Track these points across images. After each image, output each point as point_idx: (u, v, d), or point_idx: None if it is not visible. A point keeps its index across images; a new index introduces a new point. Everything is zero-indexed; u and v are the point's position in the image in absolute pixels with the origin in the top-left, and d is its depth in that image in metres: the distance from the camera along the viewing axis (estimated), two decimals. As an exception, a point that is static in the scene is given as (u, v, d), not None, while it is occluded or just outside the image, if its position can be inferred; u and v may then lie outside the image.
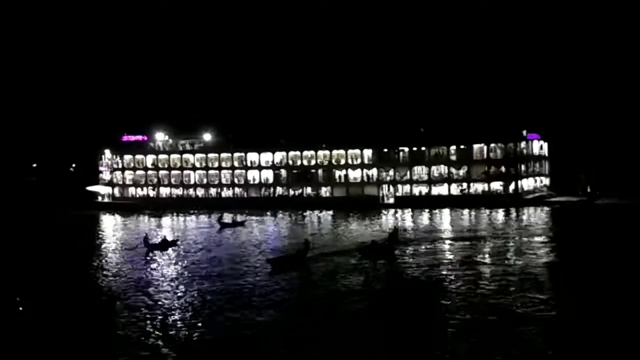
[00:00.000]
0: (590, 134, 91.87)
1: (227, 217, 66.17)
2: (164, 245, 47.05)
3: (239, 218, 66.65)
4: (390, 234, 43.48)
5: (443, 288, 30.32)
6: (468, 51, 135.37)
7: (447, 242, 47.20)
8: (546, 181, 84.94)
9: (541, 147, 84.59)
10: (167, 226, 67.13)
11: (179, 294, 31.44)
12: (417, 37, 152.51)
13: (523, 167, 78.91)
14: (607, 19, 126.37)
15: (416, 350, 21.82)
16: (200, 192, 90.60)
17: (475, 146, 78.58)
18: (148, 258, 43.72)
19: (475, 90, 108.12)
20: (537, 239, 47.05)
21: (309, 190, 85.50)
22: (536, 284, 30.91)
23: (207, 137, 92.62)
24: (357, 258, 39.62)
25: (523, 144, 79.16)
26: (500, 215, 66.78)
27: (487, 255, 40.75)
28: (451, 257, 40.36)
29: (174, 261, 42.22)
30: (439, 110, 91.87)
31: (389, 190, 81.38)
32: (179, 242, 49.34)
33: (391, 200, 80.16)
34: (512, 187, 77.02)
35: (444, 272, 34.62)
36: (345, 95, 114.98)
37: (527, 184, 79.84)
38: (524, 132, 79.35)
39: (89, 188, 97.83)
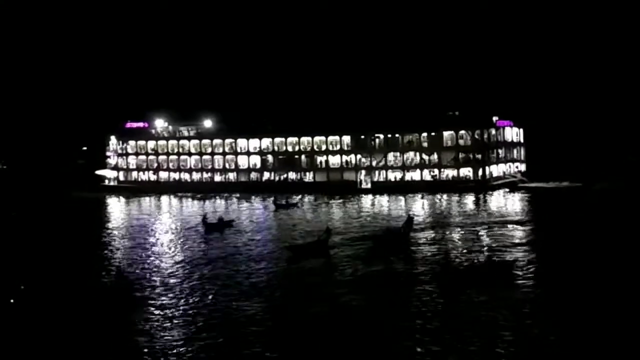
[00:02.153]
0: (568, 121, 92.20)
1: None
2: (221, 225, 49.33)
3: (293, 200, 70.06)
4: (406, 222, 42.30)
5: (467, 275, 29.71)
6: (442, 40, 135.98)
7: (456, 228, 47.01)
8: (521, 167, 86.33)
9: (517, 134, 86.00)
10: (222, 209, 68.53)
11: (217, 274, 32.85)
12: (392, 26, 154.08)
13: (492, 154, 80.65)
14: (579, 4, 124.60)
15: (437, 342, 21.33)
16: (195, 176, 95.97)
17: (445, 133, 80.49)
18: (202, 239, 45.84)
19: (449, 77, 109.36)
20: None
21: (293, 175, 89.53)
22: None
23: (208, 123, 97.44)
24: (372, 246, 39.02)
25: (492, 131, 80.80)
26: (463, 200, 68.51)
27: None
28: (465, 243, 40.44)
29: (225, 241, 44.06)
30: (412, 97, 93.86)
31: (366, 175, 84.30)
32: (234, 223, 51.44)
33: (368, 186, 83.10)
34: (480, 172, 79.04)
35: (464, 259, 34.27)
36: (327, 81, 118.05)
37: (496, 170, 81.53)
38: (495, 119, 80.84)
39: (98, 172, 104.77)
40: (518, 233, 43.75)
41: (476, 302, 25.87)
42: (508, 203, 65.94)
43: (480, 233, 44.06)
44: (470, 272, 29.48)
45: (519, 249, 37.01)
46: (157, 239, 48.03)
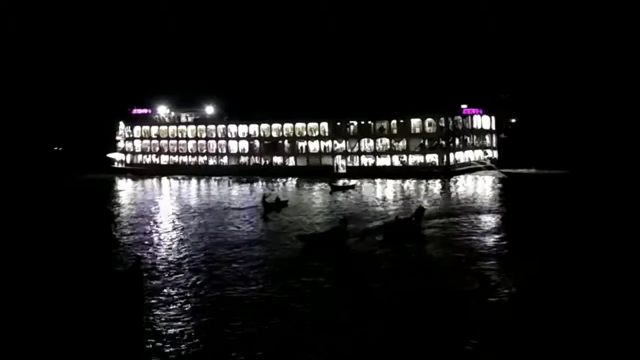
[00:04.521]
0: (544, 110, 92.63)
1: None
2: (277, 205, 52.22)
3: (350, 182, 71.98)
4: (416, 211, 40.06)
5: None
6: (417, 30, 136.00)
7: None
8: (492, 154, 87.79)
9: (490, 122, 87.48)
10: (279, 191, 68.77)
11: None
12: (365, 18, 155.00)
13: (457, 141, 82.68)
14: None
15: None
16: (192, 159, 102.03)
17: (413, 120, 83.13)
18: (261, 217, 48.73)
19: (423, 66, 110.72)
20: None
21: (277, 159, 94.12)
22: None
23: (210, 110, 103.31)
24: (382, 236, 37.61)
25: (459, 118, 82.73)
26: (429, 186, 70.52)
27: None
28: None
29: (275, 221, 46.57)
30: (386, 85, 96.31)
31: (341, 160, 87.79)
32: (289, 203, 54.20)
33: (344, 170, 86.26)
34: (445, 159, 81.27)
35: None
36: (307, 68, 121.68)
37: (463, 156, 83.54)
38: (463, 107, 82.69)
39: (109, 155, 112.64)
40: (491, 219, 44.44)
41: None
42: (477, 188, 67.74)
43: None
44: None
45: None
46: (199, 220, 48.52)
